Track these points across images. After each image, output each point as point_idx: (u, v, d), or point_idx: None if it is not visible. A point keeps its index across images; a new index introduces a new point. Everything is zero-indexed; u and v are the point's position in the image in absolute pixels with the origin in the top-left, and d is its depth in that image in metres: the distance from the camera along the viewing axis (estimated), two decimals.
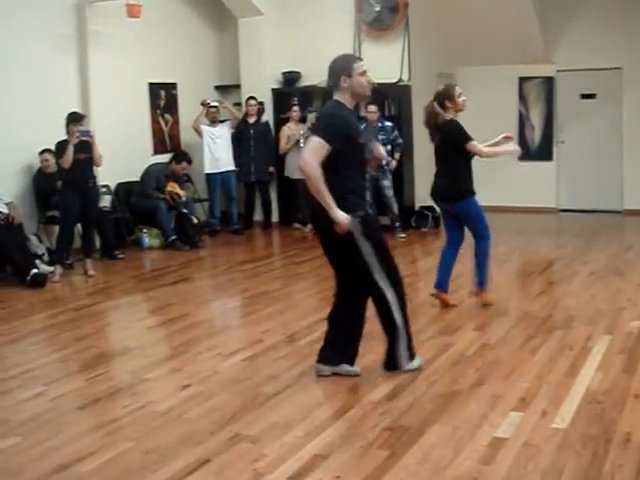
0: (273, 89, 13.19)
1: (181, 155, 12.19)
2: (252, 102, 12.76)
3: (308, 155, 5.30)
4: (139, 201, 11.73)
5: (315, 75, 12.77)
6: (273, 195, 13.37)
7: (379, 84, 12.26)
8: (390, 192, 11.81)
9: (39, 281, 9.25)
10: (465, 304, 7.81)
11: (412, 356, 5.86)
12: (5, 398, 5.76)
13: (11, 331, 7.53)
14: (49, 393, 5.78)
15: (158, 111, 12.69)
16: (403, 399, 5.37)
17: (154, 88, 12.60)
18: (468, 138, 7.34)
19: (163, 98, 12.76)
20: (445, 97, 7.55)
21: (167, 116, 12.81)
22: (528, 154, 13.99)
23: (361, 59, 5.84)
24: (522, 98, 14.16)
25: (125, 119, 11.86)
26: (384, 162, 11.56)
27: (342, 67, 5.58)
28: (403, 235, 11.79)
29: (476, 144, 7.34)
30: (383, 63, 12.38)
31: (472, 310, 7.65)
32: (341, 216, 5.32)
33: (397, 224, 11.89)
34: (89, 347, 6.94)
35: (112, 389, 5.79)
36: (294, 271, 9.84)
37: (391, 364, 5.80)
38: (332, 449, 4.64)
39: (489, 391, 5.48)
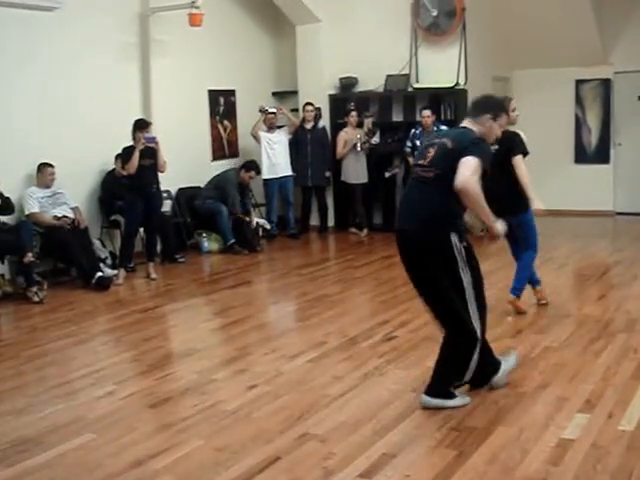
0: (330, 95, 13.29)
1: (252, 165, 12.30)
2: (309, 108, 12.87)
3: (470, 172, 4.99)
4: (202, 205, 11.89)
5: (372, 80, 12.91)
6: (329, 200, 13.46)
7: (435, 88, 12.45)
8: None
9: (104, 284, 9.45)
10: (527, 306, 7.81)
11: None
12: (78, 396, 5.91)
13: (79, 332, 7.71)
14: (120, 392, 5.93)
15: (217, 117, 12.85)
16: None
17: (213, 95, 12.76)
18: (526, 151, 7.41)
19: (222, 105, 12.92)
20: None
21: (226, 122, 12.97)
22: (585, 157, 13.96)
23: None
24: (579, 101, 14.11)
25: (185, 126, 12.04)
26: None
27: (493, 106, 5.54)
28: None
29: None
30: (439, 68, 12.49)
31: (533, 313, 7.67)
32: (499, 223, 5.37)
33: None
34: (156, 348, 7.08)
35: (181, 388, 5.91)
36: (352, 275, 9.91)
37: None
38: (400, 448, 4.71)
39: (554, 393, 5.50)
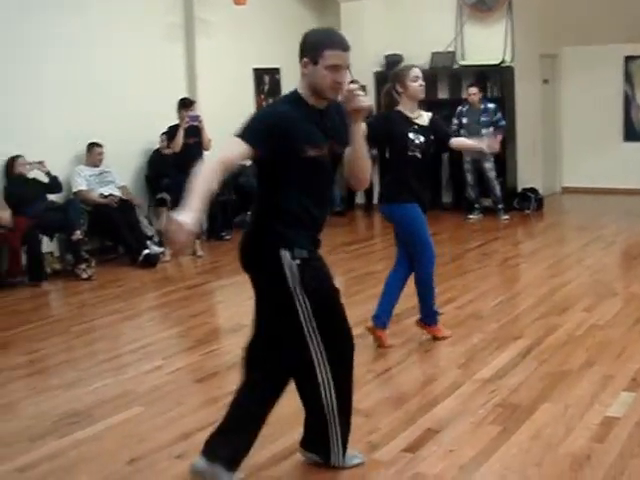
0: (375, 72, 13.26)
1: None
2: (354, 85, 12.82)
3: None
4: (247, 182, 11.91)
5: (417, 57, 12.78)
6: (375, 177, 13.43)
7: (482, 65, 12.36)
8: (492, 174, 11.79)
9: (151, 261, 9.58)
10: (574, 284, 7.79)
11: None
12: (127, 370, 6.02)
13: (127, 308, 7.83)
14: (168, 366, 6.02)
15: (262, 96, 12.88)
16: (513, 377, 5.43)
17: (258, 73, 12.79)
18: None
19: (267, 83, 12.94)
20: (396, 80, 6.06)
21: (270, 100, 12.97)
22: (634, 135, 13.80)
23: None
24: (628, 78, 13.91)
25: (230, 104, 12.04)
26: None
27: (308, 44, 3.79)
28: (506, 217, 11.77)
29: None
30: (485, 44, 12.42)
31: (580, 291, 7.64)
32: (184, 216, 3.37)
33: (500, 206, 11.86)
34: (203, 324, 7.17)
35: (227, 364, 5.96)
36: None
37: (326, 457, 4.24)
38: (445, 424, 4.74)
39: (600, 371, 5.49)
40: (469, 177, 11.94)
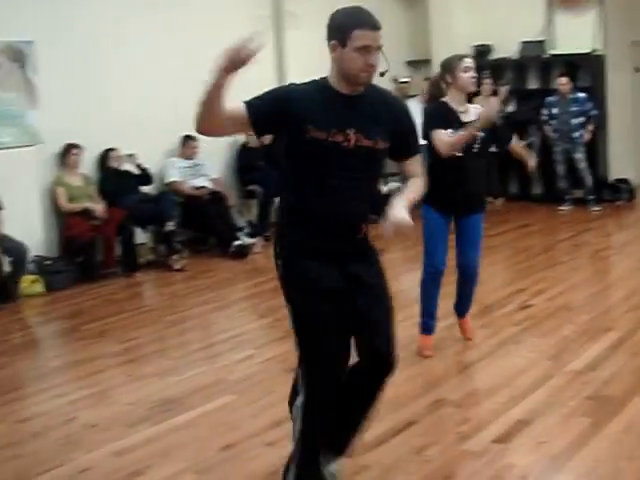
0: None
1: None
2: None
3: None
4: None
5: (506, 47, 12.73)
6: None
7: (572, 54, 12.19)
8: (583, 164, 11.63)
9: (242, 252, 9.71)
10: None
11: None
12: (219, 359, 6.15)
13: (218, 298, 7.97)
14: (258, 356, 6.13)
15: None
16: (605, 369, 5.38)
17: None
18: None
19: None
20: (446, 70, 5.68)
21: None
22: None
23: None
24: None
25: None
26: (577, 134, 11.43)
27: (335, 25, 3.51)
28: (597, 208, 11.60)
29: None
30: (576, 33, 12.22)
31: None
32: None
33: (591, 197, 11.70)
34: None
35: None
36: (488, 243, 9.73)
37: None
38: (535, 415, 4.73)
39: None
40: (560, 168, 11.80)
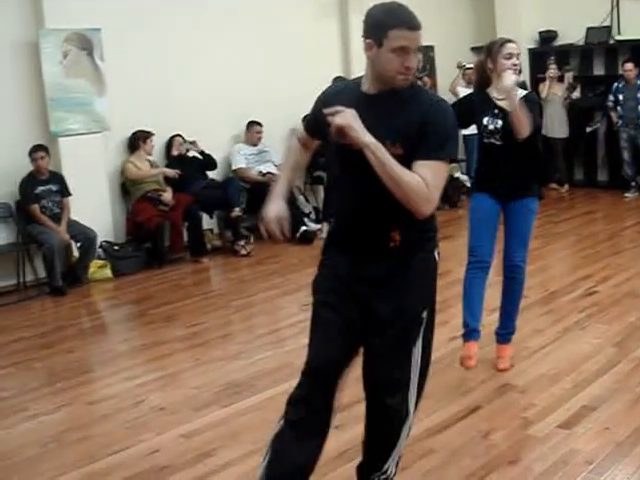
0: (529, 49, 13.07)
1: None
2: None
3: None
4: None
5: (572, 33, 12.61)
6: None
7: (638, 40, 12.02)
8: None
9: (308, 238, 9.80)
10: None
11: None
12: (286, 344, 6.24)
13: (286, 283, 8.05)
14: None
15: (416, 73, 12.86)
16: None
17: None
18: None
19: (421, 61, 12.94)
20: (488, 54, 5.26)
21: (425, 78, 12.96)
22: None
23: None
24: None
25: None
26: None
27: (370, 23, 3.20)
28: None
29: None
30: None
31: None
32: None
33: None
34: None
35: None
36: (553, 230, 9.81)
37: None
38: (600, 401, 4.74)
39: None
40: (626, 154, 11.67)
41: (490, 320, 5.77)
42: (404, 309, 3.28)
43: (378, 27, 3.10)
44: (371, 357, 3.36)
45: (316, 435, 3.43)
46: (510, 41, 5.20)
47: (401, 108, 3.16)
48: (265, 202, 3.50)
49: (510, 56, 5.06)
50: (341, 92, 3.38)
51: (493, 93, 5.20)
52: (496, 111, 5.14)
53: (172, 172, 9.33)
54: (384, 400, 3.39)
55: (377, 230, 3.25)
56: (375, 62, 3.16)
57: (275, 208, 3.44)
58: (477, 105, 5.23)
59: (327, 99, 3.33)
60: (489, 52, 5.16)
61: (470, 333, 5.31)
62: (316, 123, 3.38)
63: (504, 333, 5.49)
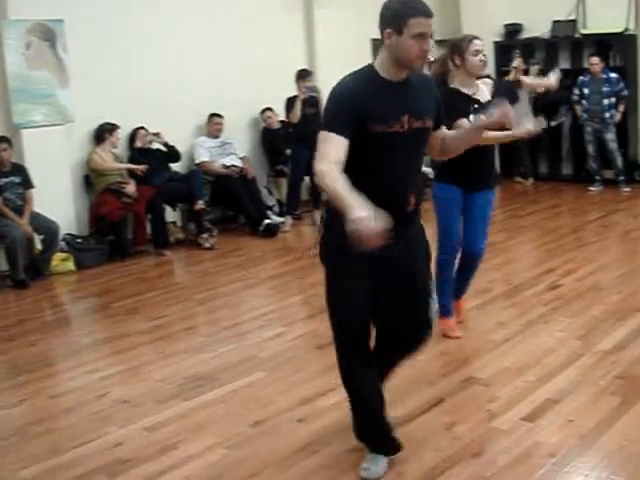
0: (495, 42, 13.10)
1: None
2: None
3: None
4: None
5: (538, 27, 12.63)
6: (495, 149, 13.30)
7: (604, 34, 12.09)
8: (614, 145, 11.55)
9: (271, 231, 9.76)
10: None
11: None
12: (249, 337, 6.19)
13: (249, 277, 8.01)
14: (289, 334, 6.18)
15: None
16: (634, 349, 5.38)
17: (376, 44, 12.71)
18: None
19: None
20: (455, 51, 5.50)
21: None
22: None
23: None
24: None
25: None
26: (608, 114, 11.35)
27: (390, 13, 3.54)
28: (627, 189, 11.52)
29: None
30: (608, 12, 12.08)
31: None
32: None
33: (621, 178, 11.63)
34: (323, 293, 7.24)
35: None
36: (517, 224, 9.84)
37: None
38: (564, 394, 4.75)
39: None
40: (590, 148, 11.73)
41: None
42: (424, 254, 3.95)
43: (398, 17, 3.49)
44: (409, 294, 3.90)
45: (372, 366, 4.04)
46: (476, 37, 5.50)
47: (422, 90, 3.71)
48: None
49: (477, 53, 5.36)
50: (363, 86, 3.57)
51: (465, 89, 5.42)
52: (476, 106, 5.33)
53: (139, 168, 9.24)
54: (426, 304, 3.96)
55: (404, 198, 3.70)
56: (395, 49, 3.51)
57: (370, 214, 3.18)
58: (455, 105, 5.17)
59: (359, 95, 3.52)
60: (457, 49, 5.39)
61: (448, 311, 5.85)
62: (355, 122, 3.49)
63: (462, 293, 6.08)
